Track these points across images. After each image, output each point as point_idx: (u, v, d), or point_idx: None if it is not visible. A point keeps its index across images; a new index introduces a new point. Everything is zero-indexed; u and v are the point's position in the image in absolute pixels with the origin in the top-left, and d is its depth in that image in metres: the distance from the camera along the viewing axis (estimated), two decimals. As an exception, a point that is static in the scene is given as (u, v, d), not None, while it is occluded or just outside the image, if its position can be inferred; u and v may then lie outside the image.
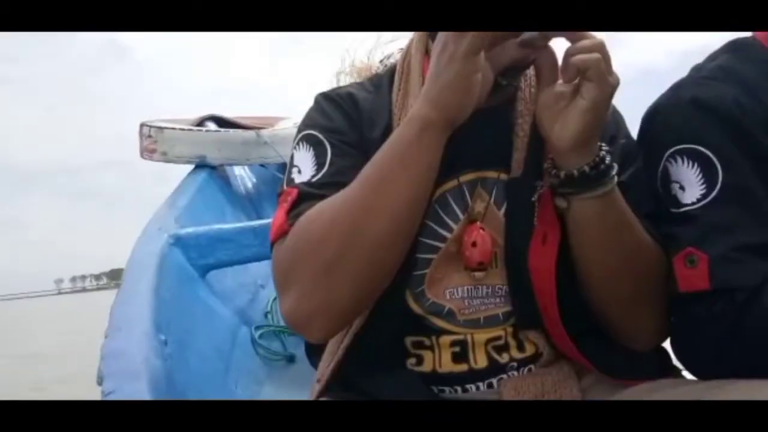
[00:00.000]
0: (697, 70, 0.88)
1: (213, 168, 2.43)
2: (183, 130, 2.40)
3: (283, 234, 0.78)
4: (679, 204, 0.80)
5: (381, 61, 1.21)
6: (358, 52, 1.30)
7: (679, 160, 0.81)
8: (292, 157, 0.85)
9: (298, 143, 0.86)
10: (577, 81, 0.72)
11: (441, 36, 0.72)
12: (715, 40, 0.94)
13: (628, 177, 0.84)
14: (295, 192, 0.80)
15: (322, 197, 0.77)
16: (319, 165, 0.82)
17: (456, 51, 0.68)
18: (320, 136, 0.84)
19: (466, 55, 0.68)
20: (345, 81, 1.36)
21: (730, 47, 0.90)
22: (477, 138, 0.81)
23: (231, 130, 2.50)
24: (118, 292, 1.26)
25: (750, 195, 0.76)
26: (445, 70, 0.70)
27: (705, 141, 0.79)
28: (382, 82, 0.92)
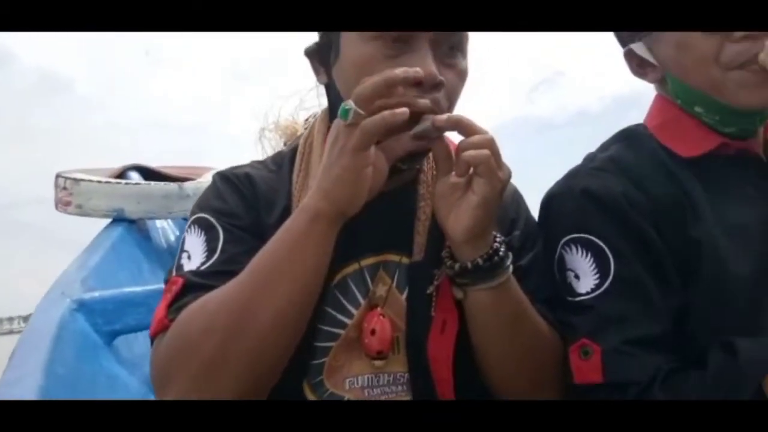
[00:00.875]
0: (589, 160, 0.91)
1: (132, 222, 2.33)
2: (100, 182, 2.31)
3: (163, 329, 0.73)
4: (574, 293, 0.81)
5: (306, 120, 1.20)
6: (284, 109, 1.29)
7: (574, 248, 0.83)
8: (183, 241, 0.82)
9: (189, 226, 0.82)
10: (470, 173, 0.73)
11: (334, 126, 0.71)
12: (647, 90, 0.98)
13: (527, 261, 0.85)
14: (180, 282, 0.76)
15: (210, 288, 0.73)
16: (210, 251, 0.78)
17: (346, 145, 0.68)
18: (213, 219, 0.81)
19: (356, 150, 0.67)
20: (269, 137, 1.34)
21: (622, 136, 0.94)
22: (379, 221, 0.80)
23: (152, 183, 2.41)
24: (5, 370, 1.16)
25: (641, 287, 0.78)
26: (335, 162, 0.69)
27: (596, 231, 0.81)
28: (284, 162, 0.90)
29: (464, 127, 0.72)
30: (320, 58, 0.85)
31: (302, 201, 0.74)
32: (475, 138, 0.71)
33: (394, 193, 0.82)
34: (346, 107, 0.68)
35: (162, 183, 2.42)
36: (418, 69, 0.69)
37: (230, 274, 0.73)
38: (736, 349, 0.70)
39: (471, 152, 0.70)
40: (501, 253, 0.75)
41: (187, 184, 2.40)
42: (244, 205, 0.83)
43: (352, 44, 0.78)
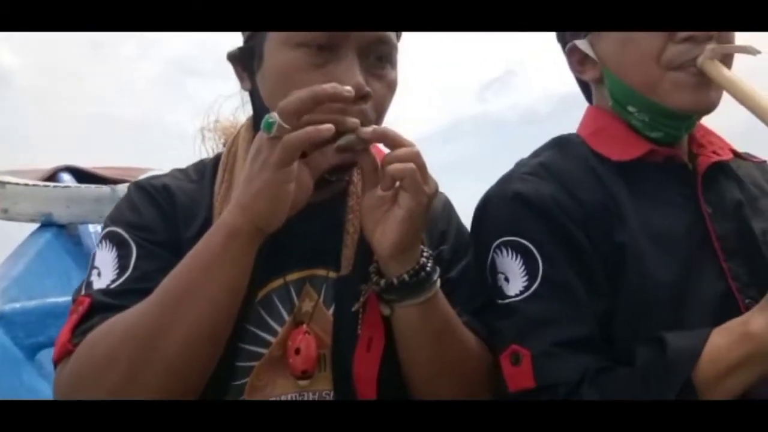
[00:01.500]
0: (521, 165, 0.91)
1: (61, 227, 2.22)
2: (27, 185, 2.18)
3: (66, 355, 0.69)
4: (503, 295, 0.81)
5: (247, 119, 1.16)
6: (224, 108, 1.25)
7: (504, 251, 0.82)
8: (93, 257, 0.77)
9: (101, 241, 0.77)
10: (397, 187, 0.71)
11: (256, 139, 0.68)
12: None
13: (457, 273, 0.85)
14: (87, 302, 0.71)
15: (119, 308, 0.69)
16: (122, 268, 0.74)
17: (268, 159, 0.65)
18: (125, 234, 0.76)
19: (278, 165, 0.65)
20: (208, 137, 1.29)
21: (554, 143, 0.95)
22: (306, 234, 0.78)
23: (83, 186, 2.30)
24: None
25: (568, 289, 0.78)
26: (256, 177, 0.66)
27: (527, 234, 0.81)
28: (207, 171, 0.86)
29: (390, 139, 0.71)
30: (243, 63, 0.82)
31: (222, 215, 0.71)
32: (401, 151, 0.70)
33: (323, 205, 0.80)
34: (270, 120, 0.66)
35: (93, 186, 2.31)
36: (348, 88, 0.67)
37: (143, 292, 0.69)
38: (664, 342, 0.71)
39: (396, 166, 0.69)
40: (428, 269, 0.74)
41: (120, 187, 2.30)
42: (161, 218, 0.79)
43: (276, 51, 0.75)
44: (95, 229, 2.42)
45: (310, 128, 0.65)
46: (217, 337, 0.69)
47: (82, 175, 2.48)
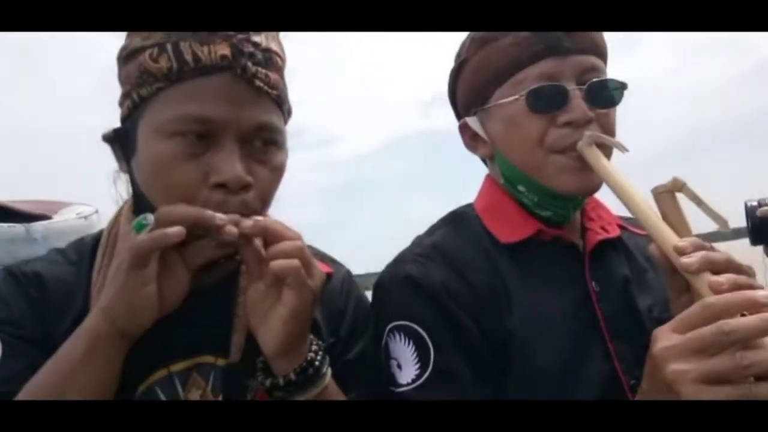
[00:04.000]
0: (415, 245, 0.91)
1: (-30, 269, 2.10)
2: (-68, 226, 2.07)
3: None
4: (396, 383, 0.81)
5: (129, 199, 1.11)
6: None
7: (398, 336, 0.82)
8: None
9: None
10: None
11: (121, 238, 0.66)
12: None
13: (355, 355, 0.84)
14: None
15: None
16: None
17: (122, 262, 0.64)
18: None
19: (131, 269, 0.63)
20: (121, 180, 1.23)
21: (450, 219, 0.95)
22: (192, 321, 0.75)
23: (-6, 225, 2.19)
24: None
25: (457, 379, 0.79)
26: (113, 280, 0.65)
27: (418, 319, 0.81)
28: (85, 253, 0.81)
29: (272, 233, 0.69)
30: (120, 146, 0.79)
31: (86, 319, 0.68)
32: (284, 245, 0.68)
33: (211, 289, 0.78)
34: (144, 222, 0.64)
35: (6, 225, 2.20)
36: (234, 231, 0.67)
37: (9, 395, 0.66)
38: None
39: (279, 263, 0.67)
40: (317, 363, 0.72)
41: (35, 227, 2.18)
42: (31, 312, 0.75)
43: (150, 140, 0.73)
44: (10, 269, 2.31)
45: (157, 233, 0.64)
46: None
47: (-2, 210, 2.37)
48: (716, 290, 0.61)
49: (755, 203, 1.17)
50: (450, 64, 0.98)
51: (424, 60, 41.97)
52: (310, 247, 0.96)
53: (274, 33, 0.78)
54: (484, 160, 1.00)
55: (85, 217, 2.54)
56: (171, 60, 0.70)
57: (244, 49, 0.72)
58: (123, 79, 0.76)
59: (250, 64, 0.72)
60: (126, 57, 0.75)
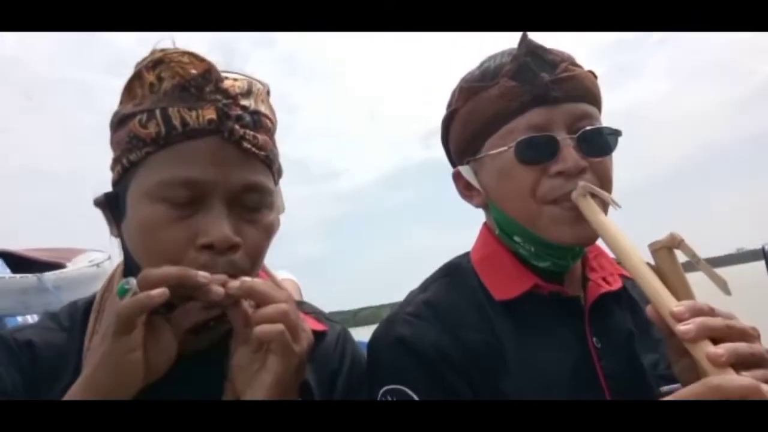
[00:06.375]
0: (407, 303, 0.89)
1: (-15, 319, 2.14)
2: (-52, 278, 2.11)
3: None
4: None
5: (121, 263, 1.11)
6: None
7: (389, 400, 0.79)
8: None
9: None
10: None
11: (108, 303, 0.65)
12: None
13: None
14: None
15: None
16: None
17: (107, 329, 0.63)
18: None
19: (115, 335, 0.63)
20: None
21: (444, 272, 0.93)
22: (183, 387, 0.73)
23: (7, 276, 2.22)
24: None
25: None
26: (97, 348, 0.64)
27: (410, 383, 0.79)
28: (78, 317, 0.81)
29: (258, 295, 0.68)
30: (111, 210, 0.79)
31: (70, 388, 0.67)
32: (269, 309, 0.67)
33: (201, 353, 0.76)
34: (126, 287, 0.64)
35: (18, 276, 2.24)
36: (221, 292, 0.66)
37: None
38: None
39: (263, 327, 0.66)
40: None
41: (47, 276, 2.23)
42: (22, 382, 0.74)
43: (138, 204, 0.73)
44: (24, 320, 2.34)
45: (140, 296, 0.63)
46: None
47: (14, 259, 2.40)
48: (714, 363, 0.58)
49: None
50: (449, 92, 0.96)
51: (423, 91, 44.64)
52: (305, 304, 0.95)
53: (263, 95, 0.78)
54: None
55: (98, 265, 2.57)
56: (159, 125, 0.71)
57: (231, 112, 0.72)
58: (114, 144, 0.77)
59: (237, 126, 0.72)
60: (117, 123, 0.76)
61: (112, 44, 32.07)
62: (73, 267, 2.39)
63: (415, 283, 0.95)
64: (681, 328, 0.61)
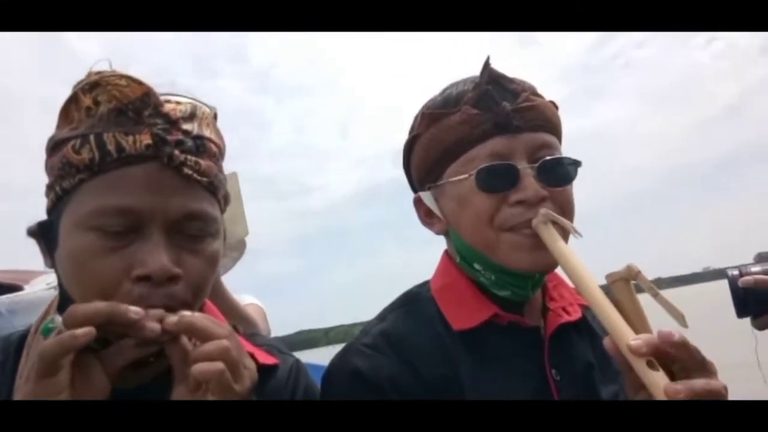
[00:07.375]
0: (364, 333, 0.86)
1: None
2: None
3: None
4: None
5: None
6: None
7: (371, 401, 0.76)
8: None
9: None
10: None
11: (34, 343, 0.61)
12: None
13: None
14: None
15: None
16: None
17: (30, 371, 0.59)
18: None
19: (39, 377, 0.59)
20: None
21: (403, 302, 0.91)
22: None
23: (-42, 299, 2.13)
24: None
25: None
26: (20, 391, 0.60)
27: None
28: (11, 351, 0.76)
29: (197, 331, 0.65)
30: (44, 240, 0.75)
31: None
32: (208, 347, 0.63)
33: (146, 387, 0.72)
34: (51, 325, 0.60)
35: (-30, 300, 2.14)
36: (156, 328, 0.63)
37: None
38: None
39: (200, 366, 0.62)
40: None
41: (1, 300, 2.14)
42: None
43: (70, 234, 0.69)
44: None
45: (65, 336, 0.59)
46: None
47: (-32, 281, 2.30)
48: (672, 398, 0.56)
49: (736, 272, 1.11)
50: (418, 108, 0.95)
51: (395, 109, 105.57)
52: (257, 336, 0.91)
53: (209, 119, 0.76)
54: None
55: (55, 287, 2.46)
56: (93, 151, 0.68)
57: (169, 137, 0.69)
58: (48, 170, 0.73)
59: (177, 152, 0.69)
60: (51, 148, 0.72)
61: (74, 54, 31.55)
62: (30, 289, 2.30)
63: (388, 301, 0.94)
64: (638, 364, 0.60)
